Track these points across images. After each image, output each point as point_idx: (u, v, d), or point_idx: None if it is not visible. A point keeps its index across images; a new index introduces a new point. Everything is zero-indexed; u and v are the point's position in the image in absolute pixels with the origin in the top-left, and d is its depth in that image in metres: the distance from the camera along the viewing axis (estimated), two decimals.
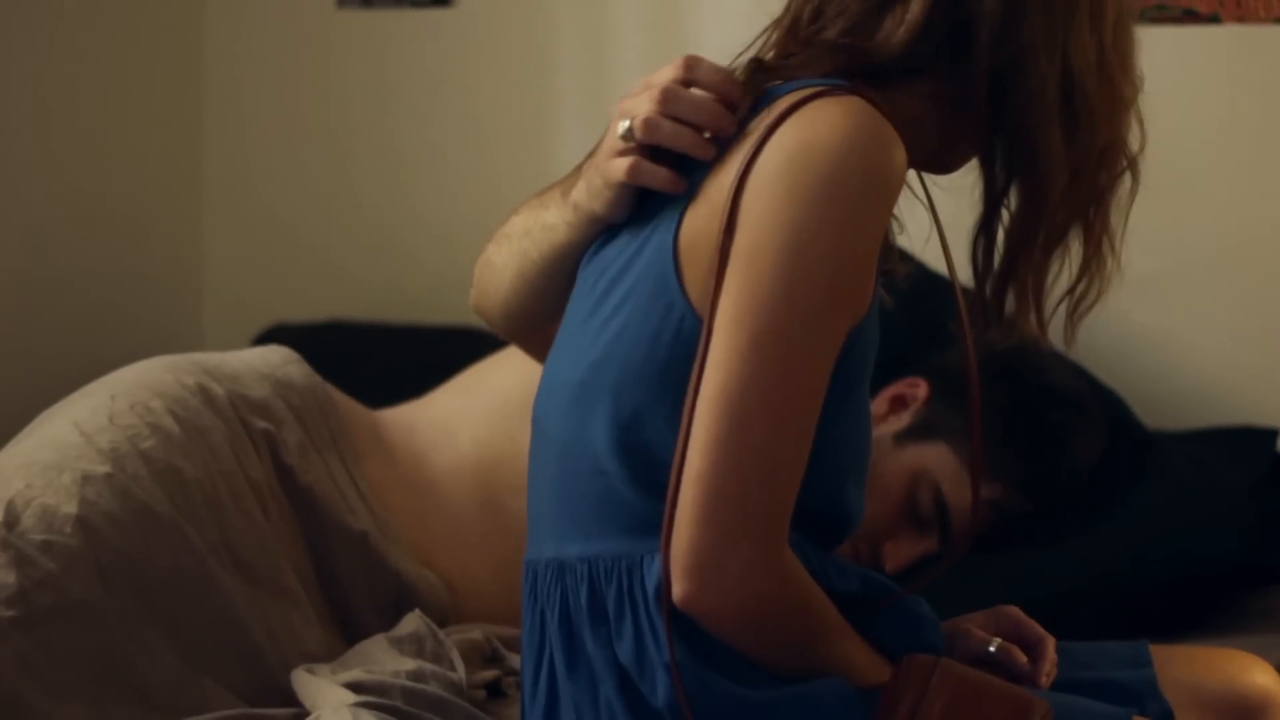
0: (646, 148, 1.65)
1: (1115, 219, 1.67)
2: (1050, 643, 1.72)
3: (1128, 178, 1.67)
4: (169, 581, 2.01)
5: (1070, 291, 1.68)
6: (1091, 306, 1.68)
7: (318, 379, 2.30)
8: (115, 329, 3.30)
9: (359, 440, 2.29)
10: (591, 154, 1.72)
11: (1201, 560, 2.45)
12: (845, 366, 1.57)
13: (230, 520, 2.08)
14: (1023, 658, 1.70)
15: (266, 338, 3.08)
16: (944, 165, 1.71)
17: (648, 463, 1.58)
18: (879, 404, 2.51)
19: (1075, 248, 1.67)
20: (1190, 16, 2.86)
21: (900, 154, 1.57)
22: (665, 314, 1.59)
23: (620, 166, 1.65)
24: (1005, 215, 1.67)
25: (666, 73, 1.66)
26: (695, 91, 1.65)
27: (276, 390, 2.23)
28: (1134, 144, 1.67)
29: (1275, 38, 2.82)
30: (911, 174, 1.65)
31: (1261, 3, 2.82)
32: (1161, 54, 2.90)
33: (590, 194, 1.69)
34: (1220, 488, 2.55)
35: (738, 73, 1.66)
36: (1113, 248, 1.67)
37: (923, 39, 1.61)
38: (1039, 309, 1.67)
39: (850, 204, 1.54)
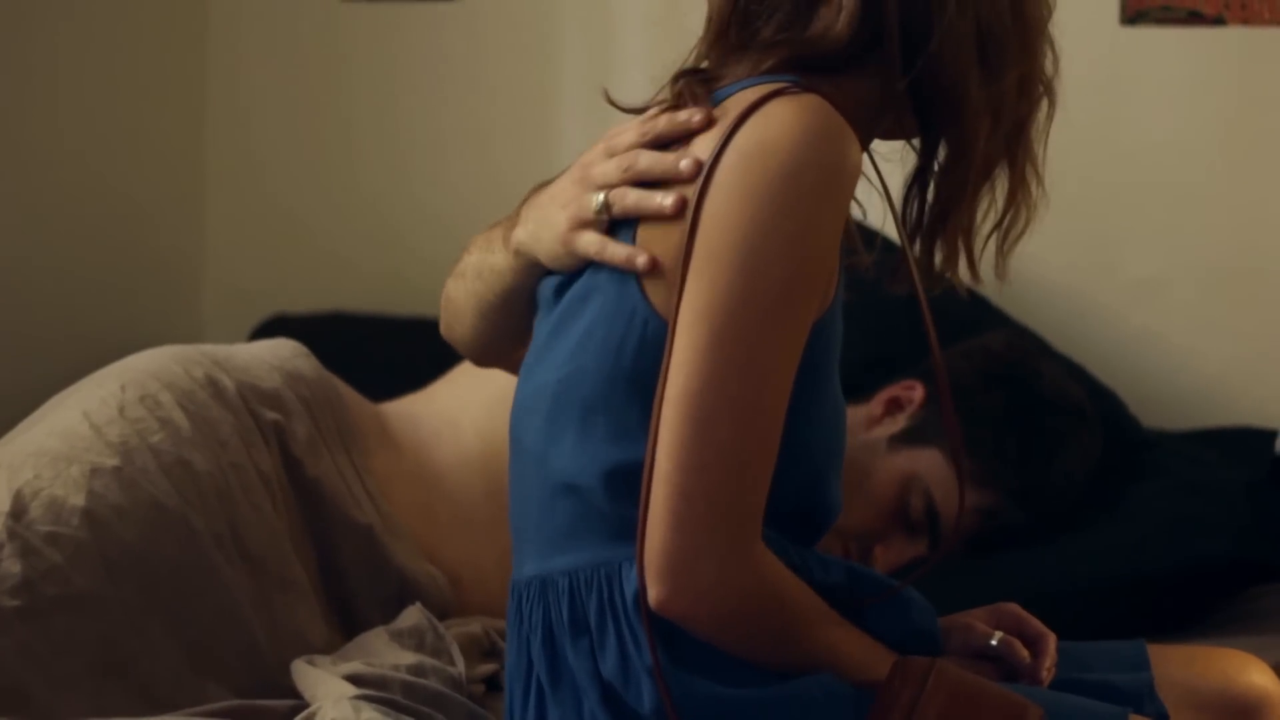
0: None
1: (1036, 146, 1.66)
2: (1051, 639, 1.72)
3: (1045, 104, 1.66)
4: (174, 576, 2.01)
5: (999, 225, 1.66)
6: (1020, 235, 1.67)
7: (326, 373, 2.30)
8: (115, 316, 3.29)
9: (365, 434, 2.29)
10: (534, 191, 1.72)
11: (1199, 559, 2.45)
12: (810, 360, 1.57)
13: (240, 513, 2.08)
14: (1024, 652, 1.69)
15: (266, 328, 3.08)
16: (896, 135, 1.69)
17: (621, 470, 1.57)
18: (875, 406, 2.51)
19: (999, 182, 1.66)
20: (1195, 18, 2.86)
21: (855, 148, 1.56)
22: (629, 321, 1.58)
23: (591, 245, 1.63)
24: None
25: (628, 136, 1.65)
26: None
27: (287, 382, 2.23)
28: (1049, 67, 1.66)
29: None
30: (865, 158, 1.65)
31: (1267, 5, 2.82)
32: (1166, 56, 2.93)
33: (547, 256, 1.67)
34: (1218, 487, 2.55)
35: (668, 90, 1.65)
36: (1037, 174, 1.67)
37: (863, 24, 1.61)
38: (969, 251, 1.66)
39: (805, 200, 1.53)
